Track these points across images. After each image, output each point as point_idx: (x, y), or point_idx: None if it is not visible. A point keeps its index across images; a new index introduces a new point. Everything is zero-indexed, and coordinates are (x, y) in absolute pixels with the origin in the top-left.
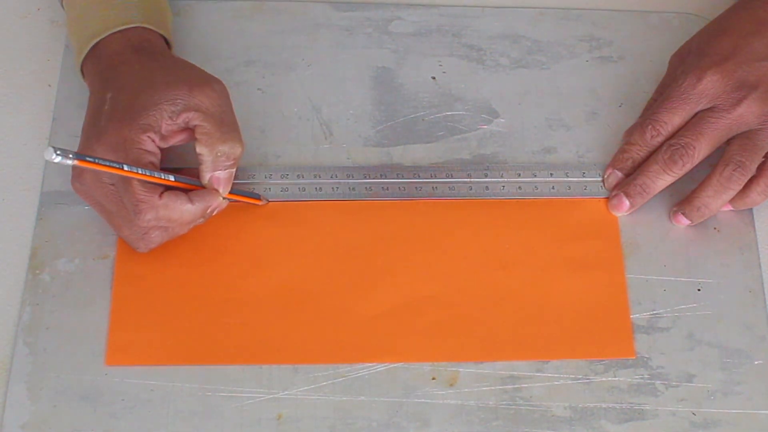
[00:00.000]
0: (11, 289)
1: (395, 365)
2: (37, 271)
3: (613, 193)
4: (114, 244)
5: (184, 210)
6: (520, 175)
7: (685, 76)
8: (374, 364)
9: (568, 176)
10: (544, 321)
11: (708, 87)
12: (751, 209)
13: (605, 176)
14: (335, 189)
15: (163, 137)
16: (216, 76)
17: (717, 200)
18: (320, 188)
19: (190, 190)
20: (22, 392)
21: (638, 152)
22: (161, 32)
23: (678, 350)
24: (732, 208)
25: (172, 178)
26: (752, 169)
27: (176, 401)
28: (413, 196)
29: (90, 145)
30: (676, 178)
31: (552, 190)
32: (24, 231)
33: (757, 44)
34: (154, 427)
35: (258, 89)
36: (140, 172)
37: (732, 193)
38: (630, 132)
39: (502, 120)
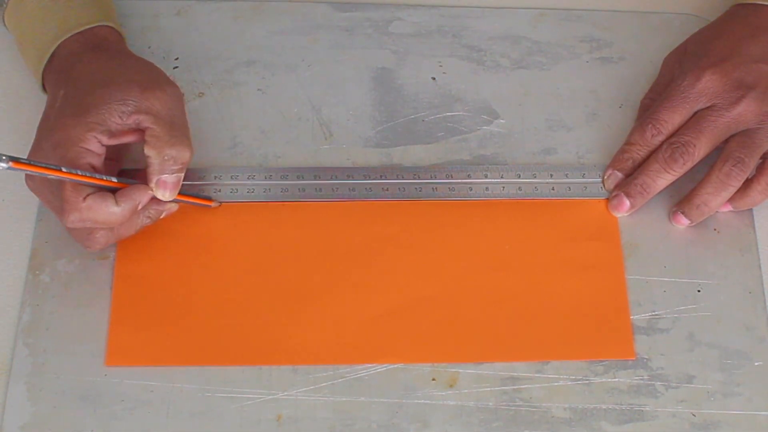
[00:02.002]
0: (11, 289)
1: (395, 366)
2: (37, 272)
3: (614, 194)
4: (114, 245)
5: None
6: (520, 176)
7: (684, 76)
8: (374, 365)
9: (568, 177)
10: (544, 322)
11: (707, 86)
12: (751, 210)
13: (605, 177)
14: (335, 190)
15: (111, 135)
16: (172, 79)
17: (716, 198)
18: (320, 189)
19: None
20: (22, 393)
21: (638, 152)
22: (118, 28)
23: (678, 351)
24: (732, 209)
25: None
26: (751, 166)
27: (176, 402)
28: (413, 197)
29: (40, 144)
30: (676, 177)
31: (552, 191)
32: (24, 231)
33: (753, 47)
34: (153, 427)
35: (258, 90)
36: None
37: (731, 190)
38: (629, 133)
39: (502, 121)
